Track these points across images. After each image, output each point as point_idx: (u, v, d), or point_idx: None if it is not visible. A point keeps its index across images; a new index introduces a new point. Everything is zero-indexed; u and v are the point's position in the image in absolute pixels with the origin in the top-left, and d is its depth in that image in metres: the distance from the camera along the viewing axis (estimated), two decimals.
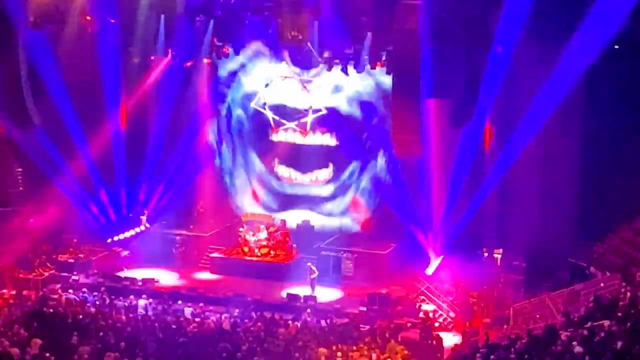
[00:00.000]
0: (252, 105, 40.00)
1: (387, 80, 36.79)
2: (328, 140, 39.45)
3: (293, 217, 39.34)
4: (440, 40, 30.30)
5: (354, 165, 39.27)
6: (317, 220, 39.43)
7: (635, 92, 32.15)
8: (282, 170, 40.26)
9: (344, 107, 38.91)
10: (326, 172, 39.75)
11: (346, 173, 39.41)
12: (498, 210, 35.50)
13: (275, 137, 40.12)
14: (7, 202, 36.91)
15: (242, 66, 39.67)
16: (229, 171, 41.01)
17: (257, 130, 40.44)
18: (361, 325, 29.18)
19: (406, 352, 25.63)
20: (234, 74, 40.02)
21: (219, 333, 25.89)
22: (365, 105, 38.67)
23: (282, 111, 39.75)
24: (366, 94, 38.53)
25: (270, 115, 39.76)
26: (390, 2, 31.55)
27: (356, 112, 38.82)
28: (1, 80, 32.53)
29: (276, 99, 39.67)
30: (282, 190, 40.34)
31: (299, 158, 39.89)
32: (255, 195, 40.62)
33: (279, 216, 39.05)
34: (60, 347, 20.92)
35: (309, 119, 39.24)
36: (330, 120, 39.27)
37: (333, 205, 39.76)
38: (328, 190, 39.80)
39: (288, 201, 40.17)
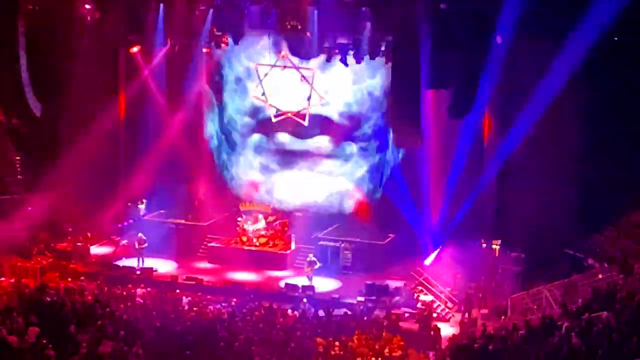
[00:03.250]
0: (253, 96, 40.00)
1: (378, 85, 36.91)
2: (325, 131, 39.45)
3: (293, 177, 39.38)
4: (439, 31, 30.26)
5: (352, 144, 39.17)
6: (318, 180, 39.33)
7: (635, 83, 32.12)
8: (282, 136, 39.98)
9: (335, 117, 38.90)
10: (326, 137, 39.55)
11: (345, 143, 39.23)
12: (497, 201, 35.59)
13: (274, 128, 40.08)
14: (6, 190, 36.92)
15: (247, 70, 39.56)
16: (227, 149, 40.89)
17: (256, 122, 40.35)
18: (359, 316, 29.21)
19: (403, 342, 25.66)
20: (239, 80, 39.93)
21: (217, 322, 25.90)
22: (354, 117, 38.65)
23: (280, 102, 39.67)
24: (356, 103, 38.45)
25: (268, 105, 39.71)
26: None
27: (345, 122, 38.81)
28: (1, 69, 32.52)
29: (275, 89, 39.59)
30: (281, 147, 40.16)
31: (299, 132, 39.73)
32: (253, 169, 40.44)
33: (278, 177, 39.17)
34: (58, 335, 20.88)
35: (308, 109, 39.19)
36: (325, 122, 39.20)
37: (333, 165, 39.52)
38: (328, 146, 39.54)
39: (287, 160, 39.92)
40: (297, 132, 39.55)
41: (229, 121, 40.54)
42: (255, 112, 40.04)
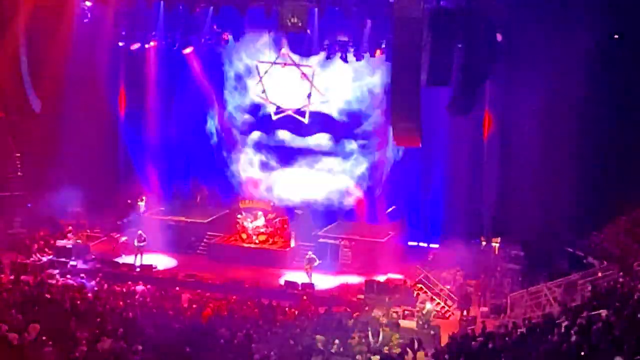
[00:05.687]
0: (252, 93, 40.08)
1: (378, 83, 37.00)
2: (326, 127, 39.55)
3: (292, 175, 39.39)
4: (440, 28, 30.22)
5: (353, 141, 39.29)
6: (317, 178, 39.38)
7: (635, 81, 32.13)
8: (282, 133, 40.12)
9: (335, 115, 39.06)
10: (326, 134, 39.69)
11: (345, 141, 39.36)
12: (496, 199, 35.57)
13: (274, 126, 40.12)
14: (6, 187, 36.91)
15: (248, 69, 39.65)
16: (227, 147, 40.96)
17: (257, 120, 40.42)
18: (358, 313, 29.22)
19: (402, 340, 25.65)
20: (239, 78, 40.01)
21: (217, 319, 25.91)
22: (354, 115, 38.85)
23: (281, 99, 39.73)
24: (356, 101, 38.63)
25: (269, 102, 39.78)
26: None
27: (345, 119, 38.98)
28: (1, 66, 32.47)
29: (275, 86, 39.64)
30: (281, 144, 40.23)
31: (299, 127, 39.84)
32: (252, 165, 40.54)
33: (278, 175, 39.25)
34: (58, 332, 20.90)
35: (308, 106, 39.26)
36: (325, 119, 39.32)
37: (333, 162, 39.56)
38: (328, 142, 39.58)
39: (287, 156, 40.04)
40: (297, 130, 39.64)
41: (229, 118, 40.61)
42: (255, 109, 40.21)
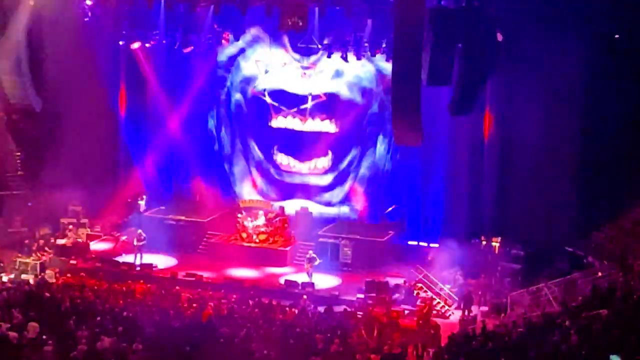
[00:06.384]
0: (252, 91, 40.08)
1: (388, 67, 36.77)
2: (327, 126, 39.53)
3: (291, 206, 39.33)
4: (440, 28, 30.19)
5: (353, 154, 39.33)
6: (316, 209, 39.42)
7: (635, 81, 32.12)
8: (281, 157, 40.30)
9: (344, 92, 39.00)
10: (325, 161, 39.81)
11: (345, 162, 39.48)
12: (497, 198, 35.57)
13: (274, 124, 40.17)
14: (7, 186, 36.90)
15: (242, 51, 39.68)
16: (228, 158, 41.04)
17: (257, 117, 40.50)
18: (358, 313, 29.23)
19: (403, 339, 25.66)
20: (233, 59, 40.04)
21: (217, 319, 25.90)
22: (365, 92, 38.77)
23: (281, 97, 39.78)
24: (367, 79, 38.61)
25: (269, 101, 39.84)
26: None
27: (357, 97, 38.88)
28: (1, 65, 32.47)
29: (276, 85, 39.70)
30: (281, 179, 40.38)
31: (298, 145, 39.91)
32: (254, 184, 40.71)
33: (278, 205, 39.07)
34: (58, 331, 20.91)
35: (309, 105, 39.31)
36: (330, 106, 39.31)
37: (332, 195, 39.80)
38: (327, 180, 39.82)
39: (286, 190, 40.18)
40: (296, 152, 39.75)
41: (225, 104, 40.55)
42: (246, 84, 40.20)
